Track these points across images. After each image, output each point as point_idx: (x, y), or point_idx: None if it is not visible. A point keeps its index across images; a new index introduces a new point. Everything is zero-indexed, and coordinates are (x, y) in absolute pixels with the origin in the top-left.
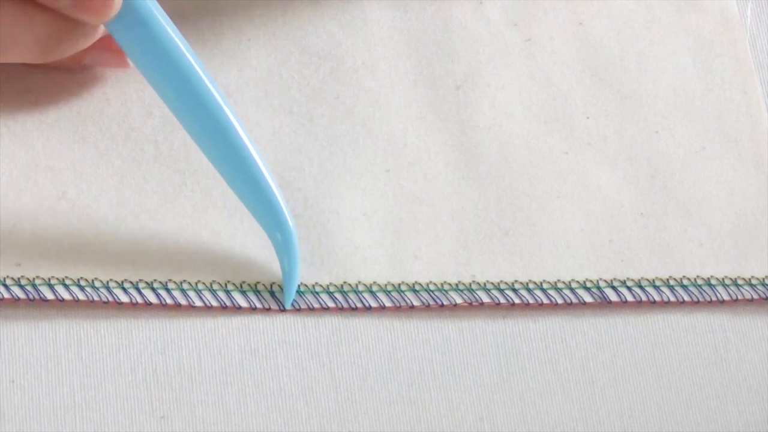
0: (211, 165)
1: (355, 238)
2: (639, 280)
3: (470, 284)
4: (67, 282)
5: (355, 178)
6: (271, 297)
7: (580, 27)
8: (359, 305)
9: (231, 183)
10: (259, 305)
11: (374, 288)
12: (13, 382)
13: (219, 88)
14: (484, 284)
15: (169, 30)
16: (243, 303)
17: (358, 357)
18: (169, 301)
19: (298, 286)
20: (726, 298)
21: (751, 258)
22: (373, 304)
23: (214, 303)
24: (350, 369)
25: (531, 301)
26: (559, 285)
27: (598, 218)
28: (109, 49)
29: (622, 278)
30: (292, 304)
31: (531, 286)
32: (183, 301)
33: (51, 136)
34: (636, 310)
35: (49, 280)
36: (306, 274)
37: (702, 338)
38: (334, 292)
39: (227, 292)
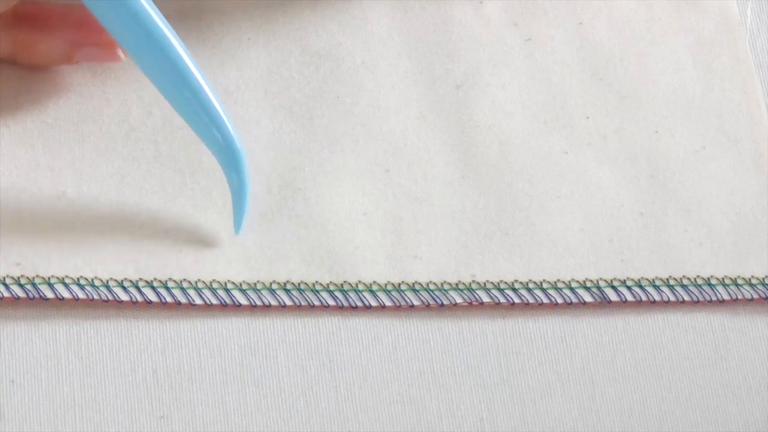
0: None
1: (355, 238)
2: (639, 280)
3: (470, 284)
4: (67, 281)
5: (355, 178)
6: (270, 295)
7: (580, 27)
8: (359, 304)
9: (187, 119)
10: (258, 302)
11: (374, 287)
12: (13, 382)
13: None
14: (484, 284)
15: None
16: (243, 301)
17: (358, 357)
18: (169, 299)
19: (298, 284)
20: (726, 297)
21: (751, 258)
22: (373, 304)
23: (214, 301)
24: (350, 369)
25: (531, 300)
26: (559, 285)
27: (598, 218)
28: (100, 45)
29: (622, 278)
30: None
31: (531, 285)
32: (183, 300)
33: (51, 136)
34: (636, 310)
35: (49, 278)
36: (306, 273)
37: (702, 338)
38: (334, 290)
39: (227, 290)
